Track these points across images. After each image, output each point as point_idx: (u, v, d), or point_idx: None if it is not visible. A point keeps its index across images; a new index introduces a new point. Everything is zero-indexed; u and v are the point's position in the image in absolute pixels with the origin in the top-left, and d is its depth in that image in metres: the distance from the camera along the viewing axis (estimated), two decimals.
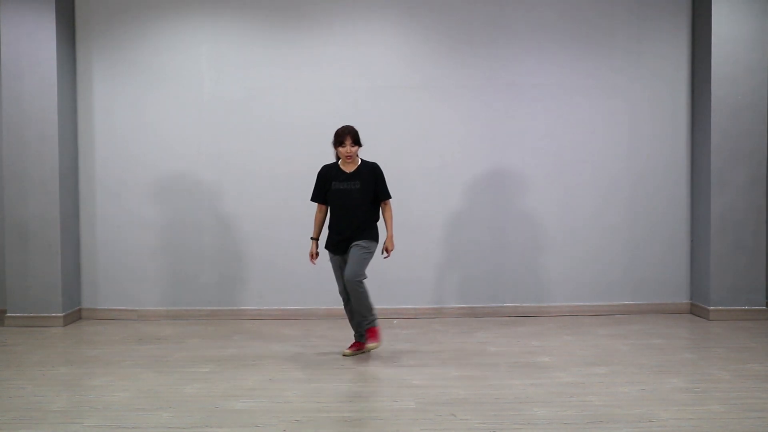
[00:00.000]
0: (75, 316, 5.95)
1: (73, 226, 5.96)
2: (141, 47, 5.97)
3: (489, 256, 6.09)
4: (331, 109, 5.97)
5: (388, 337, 5.30)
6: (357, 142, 4.66)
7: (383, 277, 5.82)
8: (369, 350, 4.71)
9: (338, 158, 4.76)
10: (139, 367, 4.52)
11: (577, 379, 4.20)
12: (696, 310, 6.07)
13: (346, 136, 4.62)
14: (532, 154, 6.07)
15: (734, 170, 5.86)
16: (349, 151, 4.62)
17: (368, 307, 4.66)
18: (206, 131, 6.01)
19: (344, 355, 4.75)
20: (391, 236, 4.76)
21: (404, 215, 5.90)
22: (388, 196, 4.77)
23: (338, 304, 5.95)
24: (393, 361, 4.63)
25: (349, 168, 4.72)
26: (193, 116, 6.00)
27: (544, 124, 6.07)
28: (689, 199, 6.17)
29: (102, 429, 3.43)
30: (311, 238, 4.85)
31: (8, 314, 5.77)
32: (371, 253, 4.67)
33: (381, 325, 5.33)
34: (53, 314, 5.73)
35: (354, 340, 4.85)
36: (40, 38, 5.64)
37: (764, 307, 5.92)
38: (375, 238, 4.71)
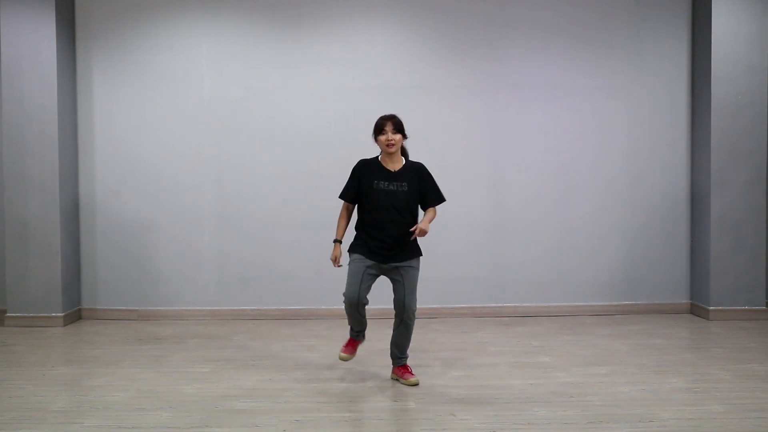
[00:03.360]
0: (75, 316, 5.95)
1: (73, 226, 5.96)
2: (141, 47, 5.97)
3: (489, 256, 6.09)
4: (331, 109, 5.98)
5: (389, 337, 5.29)
6: (400, 130, 4.03)
7: (383, 277, 5.80)
8: (411, 384, 4.16)
9: (378, 154, 4.17)
10: (139, 367, 4.52)
11: (577, 379, 4.20)
12: (696, 310, 6.07)
13: (387, 122, 4.01)
14: (531, 153, 6.08)
15: (734, 170, 5.86)
16: (390, 138, 3.98)
17: (410, 340, 4.26)
18: (206, 131, 6.01)
19: (342, 359, 4.25)
20: (428, 222, 4.07)
21: None
22: (441, 200, 4.19)
23: (338, 304, 5.94)
24: None
25: (393, 166, 4.09)
26: (193, 116, 6.00)
27: (544, 124, 6.07)
28: (689, 198, 6.17)
29: (102, 429, 3.43)
30: (335, 241, 4.19)
31: (8, 314, 5.77)
32: (418, 270, 4.18)
33: (381, 326, 5.33)
34: (53, 314, 5.73)
35: (349, 337, 4.30)
36: (40, 38, 5.64)
37: (764, 307, 5.92)
38: (420, 251, 4.17)
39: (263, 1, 5.99)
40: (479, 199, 6.07)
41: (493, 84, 6.04)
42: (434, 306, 6.06)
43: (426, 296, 6.03)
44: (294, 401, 3.83)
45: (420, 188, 4.12)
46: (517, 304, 6.11)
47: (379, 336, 5.30)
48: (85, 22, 5.97)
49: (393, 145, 4.01)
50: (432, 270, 6.03)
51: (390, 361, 4.53)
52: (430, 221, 4.10)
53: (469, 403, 3.77)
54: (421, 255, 4.16)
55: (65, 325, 5.76)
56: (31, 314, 5.73)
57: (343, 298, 4.09)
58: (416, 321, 5.83)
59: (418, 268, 4.14)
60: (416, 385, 4.13)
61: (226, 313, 6.03)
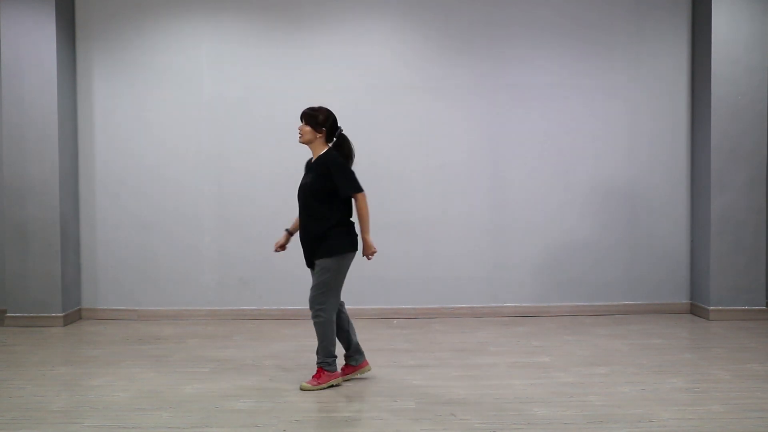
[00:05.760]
0: (75, 316, 5.95)
1: (73, 226, 5.96)
2: (141, 47, 5.97)
3: (489, 256, 6.09)
4: (330, 109, 5.96)
5: (389, 337, 5.31)
6: (309, 122, 4.02)
7: (383, 276, 5.82)
8: (304, 389, 4.00)
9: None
10: (139, 367, 4.52)
11: (577, 379, 4.20)
12: (696, 310, 6.07)
13: (302, 114, 4.07)
14: (531, 153, 6.07)
15: (734, 170, 5.86)
16: (299, 130, 4.05)
17: (326, 345, 4.00)
18: (206, 131, 6.01)
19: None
20: (365, 239, 4.00)
21: (404, 215, 5.93)
22: (350, 191, 3.95)
23: None
24: (393, 361, 4.63)
25: (313, 156, 4.12)
26: (193, 116, 6.00)
27: (544, 124, 6.07)
28: (689, 199, 6.17)
29: (102, 429, 3.43)
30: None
31: (8, 314, 5.76)
32: (332, 271, 3.95)
33: (378, 326, 5.34)
34: (53, 314, 5.72)
35: (344, 362, 4.23)
36: (40, 38, 5.64)
37: (764, 307, 5.92)
38: (333, 251, 3.95)
39: (263, 1, 5.99)
40: (479, 199, 6.07)
41: (493, 84, 6.04)
42: (434, 306, 6.06)
43: (426, 296, 6.06)
44: (294, 401, 3.83)
45: (325, 181, 3.95)
46: (517, 304, 6.11)
47: (376, 336, 5.31)
48: (85, 22, 5.97)
49: (300, 135, 4.06)
50: (432, 270, 6.05)
51: (390, 360, 4.53)
52: (365, 232, 3.98)
53: (469, 403, 3.77)
54: (333, 255, 3.96)
55: (65, 325, 5.76)
56: (31, 314, 5.73)
57: None
58: (416, 321, 5.87)
59: (330, 269, 3.95)
60: (306, 390, 3.98)
61: (226, 313, 6.03)
